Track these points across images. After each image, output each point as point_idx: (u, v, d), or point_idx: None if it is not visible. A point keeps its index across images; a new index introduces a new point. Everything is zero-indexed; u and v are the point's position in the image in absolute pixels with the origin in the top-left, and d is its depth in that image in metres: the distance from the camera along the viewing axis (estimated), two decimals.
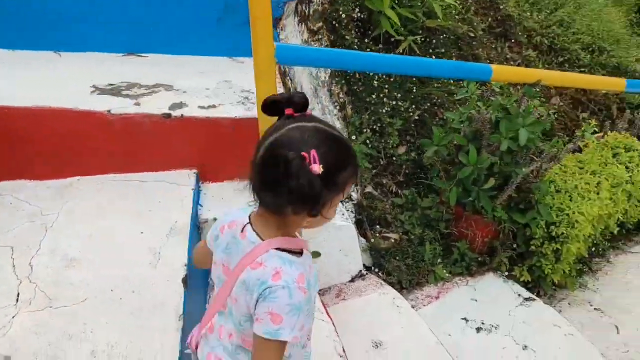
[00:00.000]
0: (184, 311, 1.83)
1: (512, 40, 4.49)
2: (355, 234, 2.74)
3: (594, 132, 4.39)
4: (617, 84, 3.16)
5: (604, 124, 4.60)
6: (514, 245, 3.15)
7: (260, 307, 1.09)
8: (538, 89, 2.94)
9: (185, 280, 1.95)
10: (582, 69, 4.78)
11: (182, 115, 2.52)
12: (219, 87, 2.85)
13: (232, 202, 2.49)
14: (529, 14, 4.70)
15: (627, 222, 3.96)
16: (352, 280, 2.77)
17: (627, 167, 3.60)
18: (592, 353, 2.65)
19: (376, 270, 3.04)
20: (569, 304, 3.36)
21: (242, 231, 1.18)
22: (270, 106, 1.13)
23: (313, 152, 1.01)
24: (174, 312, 1.81)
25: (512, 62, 4.38)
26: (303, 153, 1.00)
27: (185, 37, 3.21)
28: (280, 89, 2.73)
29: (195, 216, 2.37)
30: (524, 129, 2.76)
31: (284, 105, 1.11)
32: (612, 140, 3.90)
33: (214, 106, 2.62)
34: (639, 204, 3.91)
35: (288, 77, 3.10)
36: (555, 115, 4.42)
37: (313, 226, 1.15)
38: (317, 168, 1.00)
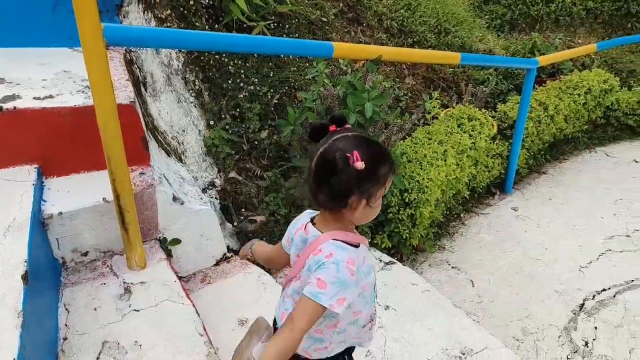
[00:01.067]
0: (23, 308, 1.72)
1: (364, 25, 4.72)
2: (216, 218, 2.74)
3: (445, 107, 4.77)
4: (453, 57, 3.44)
5: (452, 99, 4.99)
6: None
7: (312, 275, 1.32)
8: (378, 66, 3.11)
9: (25, 277, 1.83)
10: (430, 49, 5.14)
11: (14, 107, 2.35)
12: (57, 78, 2.69)
13: (79, 194, 2.38)
14: None
15: (478, 186, 4.35)
16: (217, 264, 2.76)
17: (470, 135, 3.95)
18: (445, 304, 2.88)
19: None
20: (429, 265, 3.62)
21: (305, 229, 1.43)
22: (320, 129, 1.34)
23: (355, 152, 1.23)
24: (12, 308, 1.70)
25: None
26: (347, 154, 1.23)
27: (18, 27, 2.99)
28: (125, 77, 2.65)
29: (37, 212, 2.23)
30: (369, 103, 2.92)
31: (328, 124, 1.33)
32: (457, 112, 4.24)
33: (51, 97, 2.47)
34: (485, 169, 4.30)
35: (136, 66, 3.01)
36: (410, 94, 4.73)
37: (363, 219, 1.37)
38: (360, 164, 1.22)
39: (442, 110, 4.59)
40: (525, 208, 4.49)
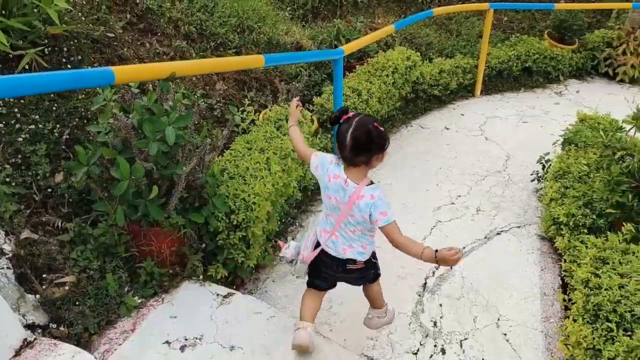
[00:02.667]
0: None
1: (159, 34, 4.32)
2: (3, 301, 2.23)
3: (264, 107, 4.57)
4: (255, 61, 3.24)
5: (269, 98, 4.83)
6: (203, 245, 3.03)
7: (374, 214, 2.22)
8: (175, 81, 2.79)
9: None
10: (236, 50, 4.91)
11: None
12: None
13: None
14: (169, 4, 4.58)
15: (309, 185, 4.25)
16: (18, 353, 2.26)
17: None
18: (288, 324, 2.70)
19: (54, 326, 2.58)
20: (273, 281, 3.43)
21: (345, 183, 2.25)
22: (337, 119, 2.25)
23: (374, 122, 2.19)
24: None
25: (164, 56, 4.22)
26: (374, 124, 2.18)
27: None
28: None
29: None
30: (170, 127, 2.60)
31: (341, 114, 2.24)
32: (273, 114, 4.08)
33: None
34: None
35: None
36: (223, 100, 4.45)
37: (376, 166, 2.31)
38: (381, 129, 2.20)
39: (257, 115, 4.40)
40: None
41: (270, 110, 4.24)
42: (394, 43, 6.57)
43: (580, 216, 3.44)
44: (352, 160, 2.21)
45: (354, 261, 2.44)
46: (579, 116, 4.73)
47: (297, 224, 4.05)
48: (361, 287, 2.78)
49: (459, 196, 4.57)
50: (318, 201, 4.36)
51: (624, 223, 3.08)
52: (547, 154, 4.59)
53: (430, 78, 6.22)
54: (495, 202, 4.49)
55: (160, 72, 2.58)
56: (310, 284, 2.66)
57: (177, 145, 2.66)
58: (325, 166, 2.34)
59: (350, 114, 2.22)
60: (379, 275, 2.71)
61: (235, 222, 2.97)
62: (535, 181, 4.70)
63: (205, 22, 4.70)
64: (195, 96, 4.06)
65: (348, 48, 4.37)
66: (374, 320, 2.89)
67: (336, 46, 5.72)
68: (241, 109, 4.40)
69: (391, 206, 2.26)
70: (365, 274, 2.59)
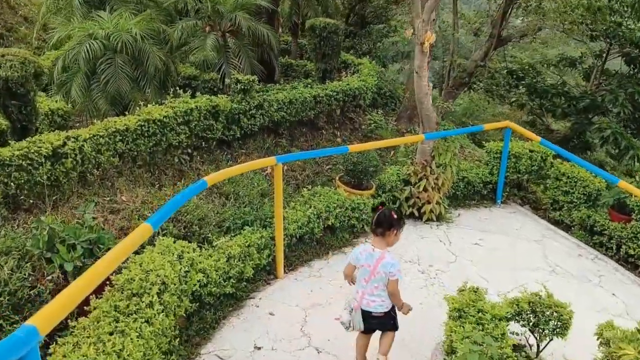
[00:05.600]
0: None
1: None
2: None
3: None
4: None
5: None
6: None
7: (391, 271, 3.43)
8: None
9: None
10: None
11: None
12: None
13: None
14: None
15: None
16: None
17: None
18: None
19: None
20: None
21: (373, 250, 3.50)
22: (376, 208, 3.70)
23: (392, 213, 3.57)
24: None
25: None
26: (392, 214, 3.57)
27: None
28: None
29: None
30: None
31: (377, 206, 3.77)
32: None
33: None
34: None
35: None
36: None
37: (394, 243, 3.59)
38: (395, 215, 3.56)
39: None
40: None
41: None
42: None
43: None
44: (374, 231, 3.55)
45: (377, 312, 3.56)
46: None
47: None
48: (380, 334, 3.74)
49: None
50: None
51: None
52: None
53: (217, 272, 4.16)
54: None
55: None
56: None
57: None
58: (358, 252, 3.60)
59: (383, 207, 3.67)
60: (397, 327, 3.66)
61: None
62: None
63: None
64: None
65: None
66: None
67: (49, 261, 3.29)
68: None
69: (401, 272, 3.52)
70: (386, 322, 3.60)
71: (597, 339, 3.86)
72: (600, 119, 12.00)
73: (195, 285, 3.82)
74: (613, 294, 5.47)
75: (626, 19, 11.04)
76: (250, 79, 6.99)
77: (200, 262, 4.05)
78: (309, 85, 8.57)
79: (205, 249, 4.47)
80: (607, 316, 5.01)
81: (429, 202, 6.27)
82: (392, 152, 8.17)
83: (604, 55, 12.02)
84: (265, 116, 7.39)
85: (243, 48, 8.05)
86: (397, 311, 3.63)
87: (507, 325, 3.50)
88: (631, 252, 5.96)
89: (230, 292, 4.38)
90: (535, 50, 14.12)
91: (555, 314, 3.99)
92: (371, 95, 9.23)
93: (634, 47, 11.04)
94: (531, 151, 7.24)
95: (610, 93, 10.82)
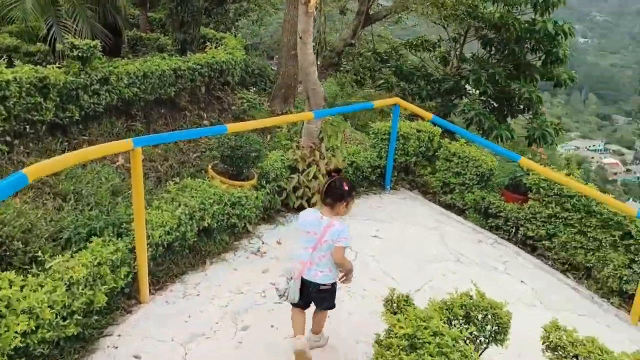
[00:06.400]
0: None
1: None
2: None
3: None
4: None
5: None
6: None
7: (338, 238, 3.21)
8: None
9: None
10: None
11: None
12: None
13: None
14: None
15: None
16: None
17: None
18: None
19: None
20: None
21: (321, 218, 3.27)
22: (330, 174, 3.38)
23: (344, 182, 3.30)
24: None
25: None
26: (343, 183, 3.30)
27: None
28: None
29: None
30: None
31: (332, 172, 3.38)
32: None
33: None
34: None
35: None
36: None
37: (344, 214, 3.33)
38: (347, 187, 3.30)
39: None
40: None
41: None
42: None
43: None
44: (324, 201, 3.33)
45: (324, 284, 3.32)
46: None
47: None
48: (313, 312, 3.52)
49: None
50: None
51: None
52: None
53: (52, 309, 2.84)
54: None
55: None
56: (295, 304, 3.38)
57: None
58: (307, 218, 3.37)
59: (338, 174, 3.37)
60: (334, 306, 3.48)
61: None
62: None
63: None
64: None
65: None
66: (310, 343, 3.46)
67: None
68: None
69: (350, 237, 3.28)
70: (327, 297, 3.41)
71: (543, 343, 3.31)
72: (463, 100, 12.21)
73: (14, 338, 2.49)
74: (521, 281, 5.09)
75: (483, 1, 11.25)
76: (91, 44, 5.47)
77: (22, 299, 2.71)
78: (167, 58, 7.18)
79: (33, 276, 3.10)
80: (523, 307, 4.59)
81: (319, 192, 5.39)
82: (268, 137, 7.15)
83: (462, 38, 12.19)
84: (112, 93, 5.92)
85: (80, 6, 6.40)
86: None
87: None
88: (530, 233, 5.67)
89: (75, 332, 3.08)
90: (404, 29, 14.01)
91: (490, 317, 3.37)
92: (240, 71, 8.10)
93: (491, 28, 11.25)
94: (419, 131, 6.71)
95: (473, 74, 10.91)
